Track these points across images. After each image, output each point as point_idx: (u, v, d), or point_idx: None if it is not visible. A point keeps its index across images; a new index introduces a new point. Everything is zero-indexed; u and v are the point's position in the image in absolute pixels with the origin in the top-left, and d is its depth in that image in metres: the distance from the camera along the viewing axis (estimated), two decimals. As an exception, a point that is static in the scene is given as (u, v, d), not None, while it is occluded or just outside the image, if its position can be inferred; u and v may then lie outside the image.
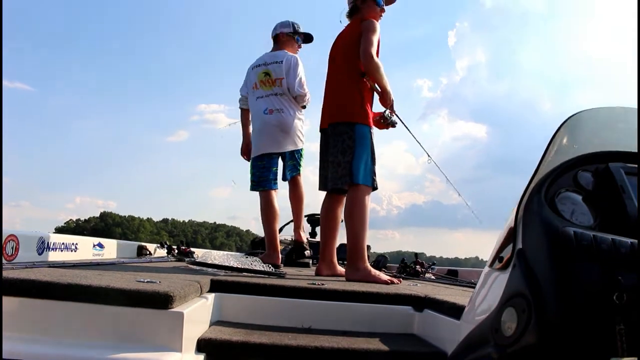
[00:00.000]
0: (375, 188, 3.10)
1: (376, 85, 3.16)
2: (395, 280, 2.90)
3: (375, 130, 3.23)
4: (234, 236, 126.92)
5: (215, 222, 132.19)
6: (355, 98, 3.14)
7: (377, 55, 3.15)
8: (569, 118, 1.18)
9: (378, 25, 3.20)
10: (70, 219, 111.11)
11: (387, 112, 3.32)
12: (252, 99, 4.17)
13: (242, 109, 4.37)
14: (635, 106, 1.20)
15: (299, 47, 4.29)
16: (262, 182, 4.03)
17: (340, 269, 3.27)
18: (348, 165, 3.04)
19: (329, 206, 3.25)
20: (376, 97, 3.23)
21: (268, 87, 4.07)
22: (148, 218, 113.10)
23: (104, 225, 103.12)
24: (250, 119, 4.29)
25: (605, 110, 1.26)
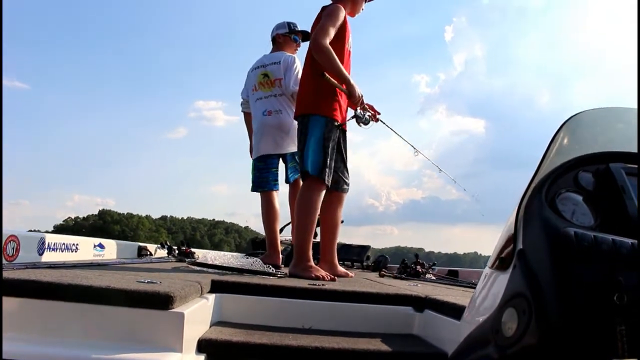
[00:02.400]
0: (327, 185, 2.98)
1: (336, 82, 2.96)
2: (344, 274, 3.12)
3: (368, 127, 3.20)
4: (233, 233, 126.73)
5: (214, 219, 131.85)
6: (311, 90, 3.06)
7: (344, 47, 3.05)
8: (569, 119, 1.18)
9: (342, 13, 3.01)
10: (69, 217, 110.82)
11: (359, 110, 3.16)
12: (252, 101, 4.20)
13: (244, 113, 4.41)
14: (635, 106, 1.20)
15: (298, 46, 4.29)
16: (262, 183, 4.05)
17: (341, 270, 3.26)
18: (300, 154, 3.04)
19: (326, 206, 3.18)
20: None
21: (267, 88, 4.09)
22: (147, 215, 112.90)
23: (102, 223, 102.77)
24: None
25: (606, 110, 1.26)
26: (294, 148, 3.93)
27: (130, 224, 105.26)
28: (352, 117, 3.19)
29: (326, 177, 2.95)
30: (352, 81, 3.01)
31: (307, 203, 2.95)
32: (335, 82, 2.96)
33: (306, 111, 3.06)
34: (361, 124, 3.21)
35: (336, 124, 3.03)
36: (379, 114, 3.32)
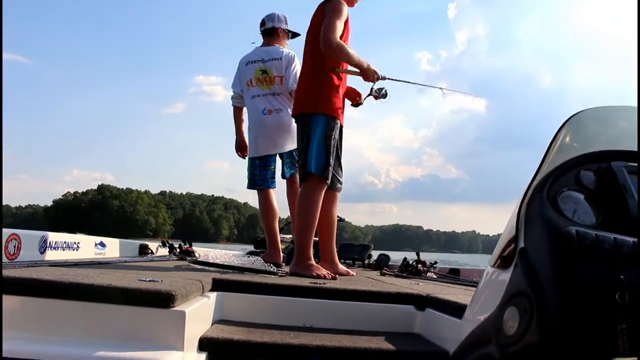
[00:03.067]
0: (328, 184, 3.01)
1: (349, 68, 3.04)
2: (345, 272, 3.11)
3: (370, 105, 3.22)
4: (232, 209, 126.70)
5: (213, 195, 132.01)
6: (311, 89, 3.07)
7: (347, 41, 3.04)
8: (570, 117, 1.18)
9: (345, 7, 3.02)
10: (68, 192, 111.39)
11: (374, 85, 3.18)
12: (247, 96, 4.09)
13: (235, 107, 4.25)
14: (636, 104, 1.20)
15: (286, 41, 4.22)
16: (259, 181, 4.02)
17: (342, 268, 3.26)
18: (303, 155, 3.02)
19: (322, 205, 3.15)
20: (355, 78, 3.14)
21: (265, 85, 4.00)
22: (146, 190, 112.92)
23: (101, 198, 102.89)
24: (243, 116, 4.25)
25: (607, 109, 1.26)
26: (292, 146, 3.87)
27: (129, 199, 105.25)
28: (369, 95, 3.23)
29: (328, 175, 2.97)
30: (364, 62, 3.05)
31: (309, 202, 2.96)
32: (346, 70, 3.05)
33: (307, 110, 3.05)
34: (380, 99, 3.24)
35: (338, 123, 3.04)
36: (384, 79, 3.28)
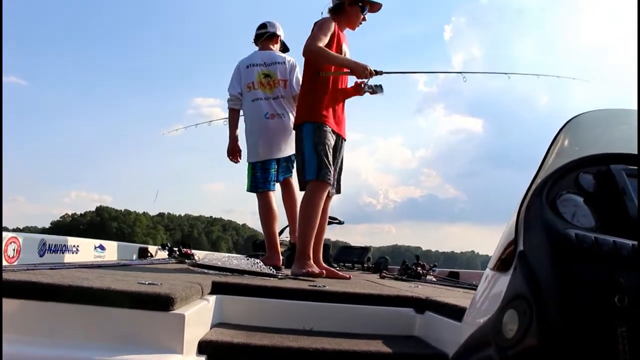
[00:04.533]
0: (329, 183, 3.14)
1: (335, 72, 3.19)
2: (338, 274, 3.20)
3: (381, 95, 3.31)
4: (230, 230, 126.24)
5: (211, 216, 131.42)
6: (307, 99, 3.25)
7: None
8: (569, 120, 1.18)
9: (332, 24, 3.20)
10: (66, 214, 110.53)
11: (368, 82, 3.30)
12: (247, 99, 4.07)
13: (232, 109, 4.20)
14: (636, 108, 1.20)
15: None
16: (259, 184, 4.02)
17: (330, 269, 3.36)
18: (300, 165, 3.20)
19: None
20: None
21: (269, 89, 4.00)
22: (144, 212, 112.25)
23: (100, 220, 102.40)
24: (242, 119, 4.22)
25: (606, 112, 1.27)
26: (292, 151, 3.88)
27: (127, 220, 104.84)
28: (364, 92, 3.35)
29: (326, 176, 3.09)
30: (351, 61, 3.19)
31: (309, 205, 3.12)
32: (334, 72, 3.19)
33: (300, 121, 3.23)
34: (376, 94, 3.35)
35: (328, 128, 3.15)
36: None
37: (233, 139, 4.24)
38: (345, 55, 3.32)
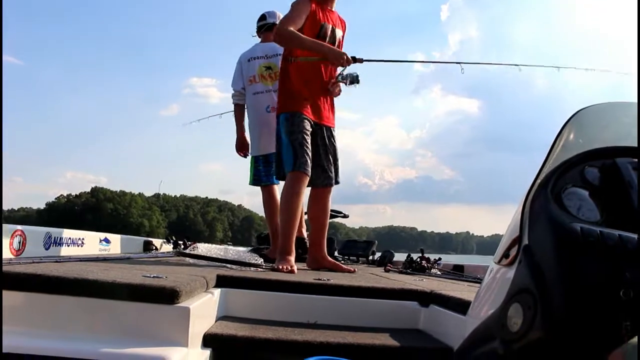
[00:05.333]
0: (306, 173, 2.98)
1: (310, 58, 3.00)
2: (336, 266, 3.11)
3: (356, 87, 3.10)
4: (226, 211, 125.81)
5: (207, 197, 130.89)
6: (282, 88, 3.14)
7: (316, 37, 3.01)
8: (575, 114, 1.18)
9: (305, 4, 3.01)
10: (61, 194, 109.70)
11: (344, 70, 3.04)
12: (249, 93, 4.07)
13: (236, 104, 4.22)
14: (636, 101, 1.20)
15: None
16: (264, 177, 4.02)
17: (335, 262, 3.30)
18: (278, 158, 3.14)
19: (312, 200, 3.29)
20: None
21: (270, 81, 3.98)
22: (139, 193, 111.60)
23: (95, 201, 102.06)
24: (245, 113, 4.21)
25: (612, 105, 1.26)
26: None
27: (122, 201, 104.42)
28: (336, 81, 3.10)
29: (302, 166, 2.95)
30: (325, 46, 2.99)
31: (288, 197, 3.01)
32: (308, 58, 3.01)
33: (278, 112, 3.16)
34: (351, 84, 3.08)
35: (303, 116, 3.00)
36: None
37: (240, 133, 4.26)
38: (336, 36, 3.13)
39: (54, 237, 3.19)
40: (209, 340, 1.49)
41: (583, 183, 1.05)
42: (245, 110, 4.20)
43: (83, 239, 3.62)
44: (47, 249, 3.09)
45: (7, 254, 2.58)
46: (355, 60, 3.03)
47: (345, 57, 2.97)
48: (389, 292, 2.01)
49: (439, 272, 3.92)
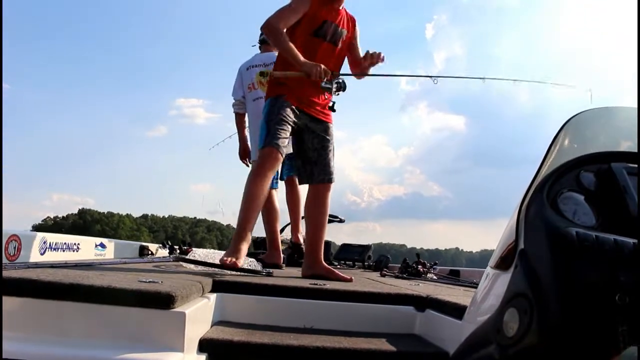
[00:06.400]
0: (277, 150, 2.75)
1: (287, 73, 2.83)
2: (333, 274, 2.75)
3: (340, 94, 3.00)
4: (215, 231, 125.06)
5: (195, 217, 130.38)
6: (271, 80, 2.96)
7: (309, 35, 2.89)
8: (570, 119, 1.18)
9: (302, 2, 2.86)
10: (48, 217, 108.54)
11: (325, 84, 2.86)
12: (248, 100, 4.11)
13: (237, 114, 4.27)
14: (635, 105, 1.20)
15: None
16: None
17: (332, 270, 3.12)
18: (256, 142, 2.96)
19: (308, 201, 3.09)
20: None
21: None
22: (127, 214, 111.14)
23: (82, 223, 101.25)
24: (245, 123, 4.25)
25: (606, 110, 1.26)
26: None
27: (110, 223, 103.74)
28: (322, 88, 2.92)
29: (272, 141, 2.75)
30: (300, 58, 2.79)
31: (250, 177, 2.80)
32: (288, 73, 2.85)
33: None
34: (333, 93, 2.98)
35: (286, 103, 2.85)
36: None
37: (242, 142, 4.30)
38: (339, 35, 2.99)
39: (50, 243, 3.18)
40: (204, 345, 1.49)
41: (579, 188, 1.05)
42: (246, 117, 4.24)
43: (78, 244, 3.62)
44: (42, 254, 3.08)
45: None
46: (332, 74, 2.89)
47: (319, 70, 2.78)
48: (385, 296, 2.01)
49: (435, 277, 3.93)
